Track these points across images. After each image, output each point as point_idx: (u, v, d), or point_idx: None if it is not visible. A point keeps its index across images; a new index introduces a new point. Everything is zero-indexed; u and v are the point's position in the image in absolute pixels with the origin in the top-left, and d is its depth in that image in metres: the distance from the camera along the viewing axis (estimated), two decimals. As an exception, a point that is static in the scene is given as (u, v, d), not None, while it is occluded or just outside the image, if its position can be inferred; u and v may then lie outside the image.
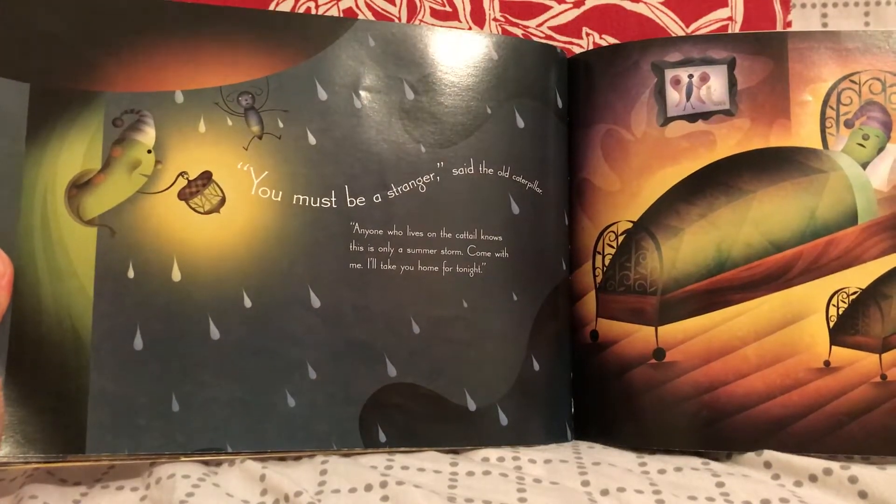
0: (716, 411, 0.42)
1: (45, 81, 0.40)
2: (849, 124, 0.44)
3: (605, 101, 0.46)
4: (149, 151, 0.41)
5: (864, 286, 0.43)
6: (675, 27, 0.58)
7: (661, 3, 0.58)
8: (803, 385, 0.42)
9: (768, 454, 0.41)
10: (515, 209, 0.45)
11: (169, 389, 0.40)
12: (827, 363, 0.42)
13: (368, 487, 0.37)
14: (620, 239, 0.45)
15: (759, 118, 0.44)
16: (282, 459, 0.41)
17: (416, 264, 0.43)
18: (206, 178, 0.41)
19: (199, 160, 0.41)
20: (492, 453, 0.42)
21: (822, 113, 0.44)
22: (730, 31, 0.57)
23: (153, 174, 0.41)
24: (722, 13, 0.58)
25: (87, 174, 0.40)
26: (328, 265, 0.42)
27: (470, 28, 0.58)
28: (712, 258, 0.44)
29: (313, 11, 0.58)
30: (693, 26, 0.58)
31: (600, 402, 0.45)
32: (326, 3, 0.58)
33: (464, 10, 0.58)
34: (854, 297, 0.43)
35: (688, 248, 0.44)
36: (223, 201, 0.41)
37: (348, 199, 0.43)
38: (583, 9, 0.58)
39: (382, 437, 0.42)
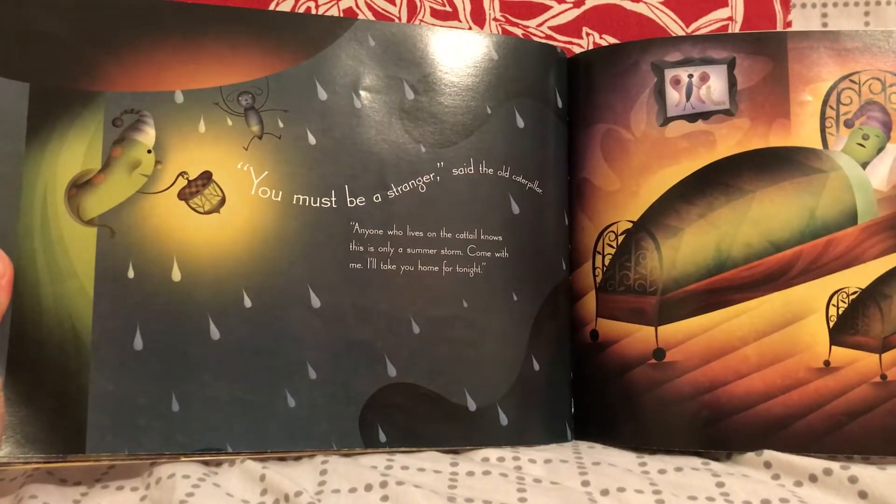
0: (716, 411, 0.42)
1: (45, 81, 0.40)
2: (849, 124, 0.44)
3: (604, 100, 0.46)
4: (149, 151, 0.41)
5: (863, 286, 0.43)
6: (675, 27, 0.58)
7: (661, 3, 0.58)
8: (803, 385, 0.42)
9: (768, 454, 0.41)
10: (515, 209, 0.45)
11: (169, 389, 0.40)
12: (827, 363, 0.42)
13: (368, 487, 0.37)
14: (620, 239, 0.45)
15: (758, 118, 0.44)
16: (282, 459, 0.41)
17: (416, 264, 0.43)
18: (206, 178, 0.41)
19: (199, 160, 0.41)
20: (492, 453, 0.42)
21: (822, 113, 0.44)
22: (730, 31, 0.57)
23: (153, 174, 0.41)
24: (722, 13, 0.58)
25: (86, 174, 0.40)
26: (328, 265, 0.42)
27: (470, 28, 0.58)
28: (712, 258, 0.44)
29: (313, 11, 0.58)
30: (693, 26, 0.58)
31: (600, 402, 0.45)
32: (326, 3, 0.58)
33: (464, 10, 0.58)
34: (854, 296, 0.43)
35: (687, 247, 0.44)
36: (223, 201, 0.41)
37: (348, 199, 0.43)
38: (583, 9, 0.58)
39: (382, 437, 0.42)
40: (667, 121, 0.45)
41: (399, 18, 0.58)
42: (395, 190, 0.43)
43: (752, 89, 0.44)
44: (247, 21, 0.43)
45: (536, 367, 0.44)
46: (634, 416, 0.44)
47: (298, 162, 0.42)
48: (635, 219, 0.45)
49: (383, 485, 0.37)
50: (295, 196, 0.42)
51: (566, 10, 0.58)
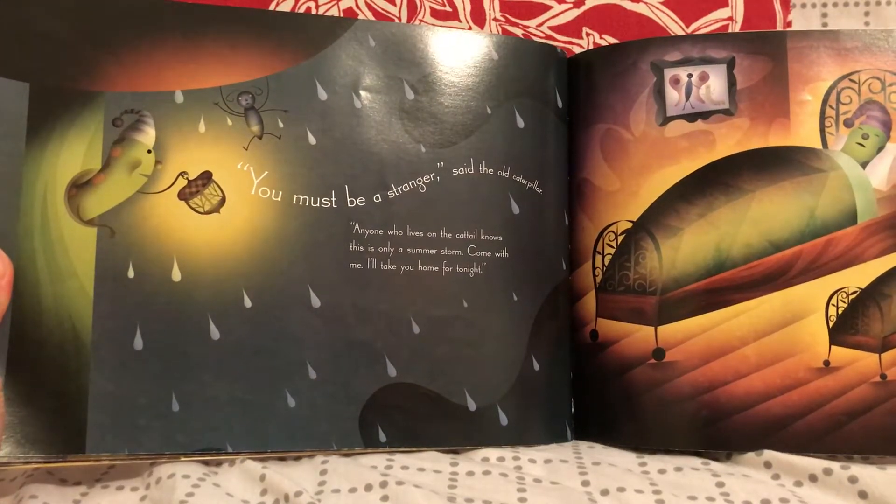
0: (715, 411, 0.42)
1: (45, 81, 0.40)
2: (848, 123, 0.44)
3: (604, 100, 0.46)
4: (149, 151, 0.41)
5: (863, 286, 0.43)
6: (675, 27, 0.58)
7: (661, 3, 0.58)
8: (803, 385, 0.42)
9: (768, 454, 0.41)
10: (515, 209, 0.45)
11: (169, 389, 0.40)
12: (826, 363, 0.42)
13: (368, 487, 0.37)
14: (620, 239, 0.45)
15: (758, 117, 0.44)
16: (282, 459, 0.41)
17: (416, 264, 0.43)
18: (206, 178, 0.41)
19: (199, 160, 0.41)
20: (492, 453, 0.42)
21: (822, 112, 0.44)
22: (729, 31, 0.57)
23: (153, 174, 0.41)
24: (722, 13, 0.58)
25: (86, 174, 0.40)
26: (328, 265, 0.42)
27: (470, 28, 0.58)
28: (712, 258, 0.44)
29: (313, 11, 0.58)
30: (693, 26, 0.58)
31: (600, 402, 0.45)
32: (326, 3, 0.58)
33: (464, 10, 0.58)
34: (854, 296, 0.43)
35: (687, 247, 0.44)
36: (223, 201, 0.41)
37: (348, 199, 0.43)
38: (583, 9, 0.58)
39: (382, 437, 0.42)
40: (666, 120, 0.45)
41: (399, 18, 0.58)
42: (395, 190, 0.43)
43: (751, 89, 0.44)
44: (247, 21, 0.43)
45: (536, 367, 0.44)
46: (634, 416, 0.44)
47: (298, 162, 0.42)
48: (635, 219, 0.45)
49: (383, 485, 0.37)
50: (295, 196, 0.42)
51: (566, 10, 0.58)
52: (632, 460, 0.42)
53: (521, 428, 0.44)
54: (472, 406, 0.43)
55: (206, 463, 0.40)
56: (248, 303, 0.41)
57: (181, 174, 0.41)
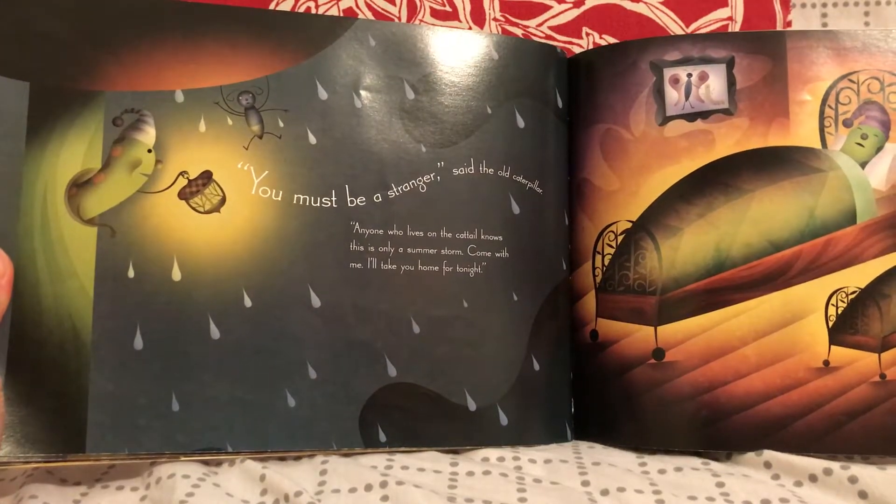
0: (715, 411, 0.42)
1: (45, 81, 0.40)
2: (847, 123, 0.44)
3: (604, 100, 0.46)
4: (149, 151, 0.41)
5: (862, 286, 0.43)
6: (675, 27, 0.58)
7: (661, 3, 0.58)
8: (803, 385, 0.42)
9: (768, 454, 0.41)
10: (516, 209, 0.45)
11: (169, 389, 0.40)
12: (826, 363, 0.42)
13: (368, 487, 0.37)
14: (620, 239, 0.45)
15: (757, 117, 0.44)
16: (282, 459, 0.41)
17: (416, 264, 0.43)
18: (207, 177, 0.41)
19: (200, 160, 0.41)
20: (492, 453, 0.42)
21: (821, 112, 0.44)
22: (729, 31, 0.57)
23: (153, 173, 0.41)
24: (722, 13, 0.58)
25: (87, 173, 0.40)
26: (328, 265, 0.42)
27: (470, 28, 0.58)
28: (711, 258, 0.44)
29: (313, 11, 0.58)
30: (693, 26, 0.58)
31: (600, 402, 0.45)
32: (326, 3, 0.58)
33: (464, 9, 0.58)
34: (853, 296, 0.43)
35: (687, 247, 0.44)
36: (223, 201, 0.41)
37: (348, 199, 0.43)
38: (583, 9, 0.58)
39: (382, 437, 0.42)
40: (666, 120, 0.45)
41: (399, 18, 0.58)
42: (395, 190, 0.43)
43: (751, 88, 0.44)
44: (247, 21, 0.43)
45: (536, 367, 0.44)
46: (634, 416, 0.44)
47: (299, 161, 0.42)
48: (634, 219, 0.45)
49: (383, 485, 0.37)
50: (295, 196, 0.42)
51: (566, 10, 0.58)
52: (632, 460, 0.42)
53: (521, 428, 0.44)
54: (472, 406, 0.43)
55: (206, 463, 0.40)
56: (248, 302, 0.41)
57: (181, 174, 0.41)
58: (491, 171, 0.45)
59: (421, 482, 0.38)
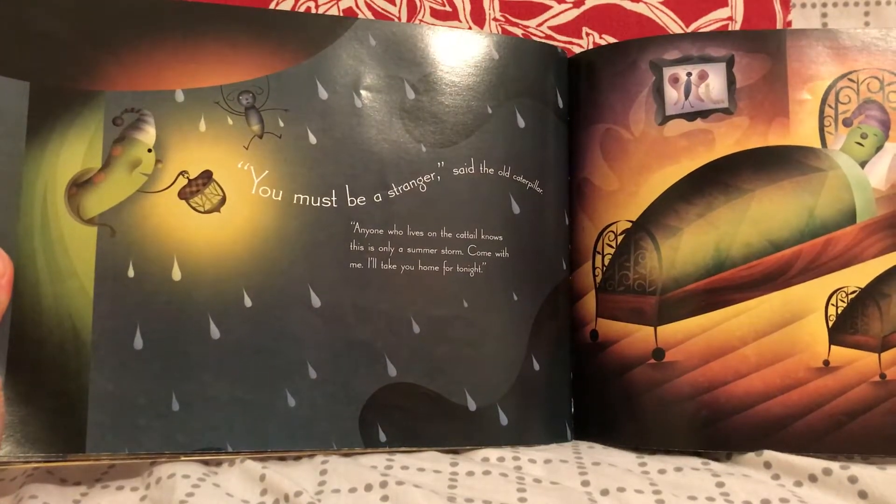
0: (715, 411, 0.42)
1: (45, 80, 0.40)
2: (847, 123, 0.44)
3: (604, 100, 0.46)
4: (149, 150, 0.41)
5: (862, 285, 0.43)
6: (675, 27, 0.58)
7: (661, 3, 0.58)
8: (803, 385, 0.42)
9: (768, 454, 0.41)
10: (516, 209, 0.45)
11: (169, 389, 0.39)
12: (826, 363, 0.42)
13: (368, 487, 0.37)
14: (619, 239, 0.45)
15: (757, 116, 0.44)
16: (282, 459, 0.41)
17: (416, 264, 0.43)
18: (207, 177, 0.41)
19: (200, 159, 0.41)
20: (492, 453, 0.42)
21: (821, 111, 0.44)
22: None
23: (153, 173, 0.41)
24: (722, 13, 0.58)
25: (87, 173, 0.40)
26: (328, 265, 0.42)
27: (470, 28, 0.58)
28: (711, 258, 0.44)
29: (313, 11, 0.58)
30: (693, 26, 0.58)
31: (600, 402, 0.45)
32: (326, 3, 0.58)
33: (464, 9, 0.58)
34: (853, 296, 0.43)
35: (687, 247, 0.44)
36: (223, 200, 0.41)
37: (349, 199, 0.43)
38: (583, 9, 0.58)
39: (382, 437, 0.42)
40: (665, 119, 0.45)
41: (399, 18, 0.58)
42: (395, 189, 0.43)
43: (750, 87, 0.44)
44: (247, 20, 0.43)
45: (536, 367, 0.44)
46: (634, 416, 0.44)
47: (299, 161, 0.42)
48: (634, 218, 0.45)
49: (383, 485, 0.37)
50: (295, 195, 0.42)
51: (566, 10, 0.58)
52: (632, 460, 0.42)
53: (521, 428, 0.44)
54: (472, 406, 0.43)
55: (206, 463, 0.40)
56: (248, 302, 0.41)
57: (181, 173, 0.41)
58: (491, 170, 0.45)
59: (421, 482, 0.38)
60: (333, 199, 0.43)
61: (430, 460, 0.41)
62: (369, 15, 0.58)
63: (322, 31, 0.43)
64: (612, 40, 0.57)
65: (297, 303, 0.41)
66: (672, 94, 0.45)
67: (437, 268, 0.43)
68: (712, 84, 0.45)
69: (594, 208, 0.46)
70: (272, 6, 0.58)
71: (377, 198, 0.43)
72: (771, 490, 0.38)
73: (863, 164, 0.43)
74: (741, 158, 0.44)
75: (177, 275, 0.40)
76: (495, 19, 0.58)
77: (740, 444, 0.42)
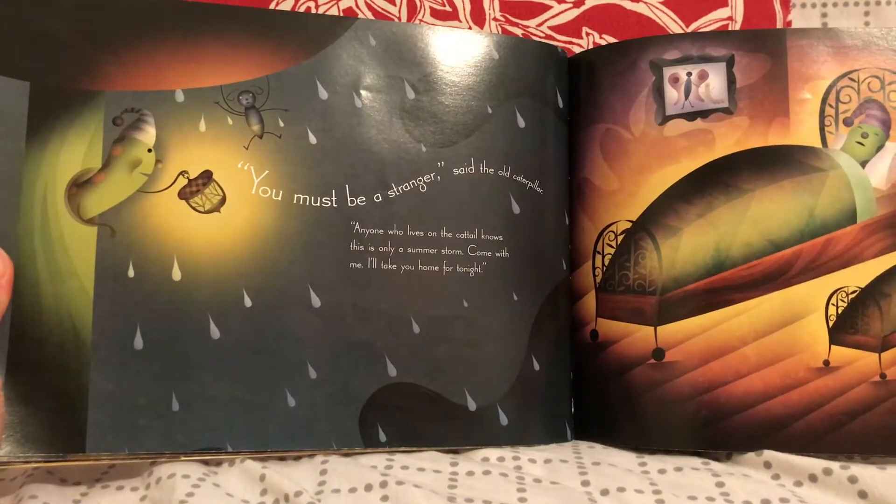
0: (715, 411, 0.42)
1: (45, 80, 0.40)
2: (848, 122, 0.44)
3: (604, 100, 0.46)
4: (149, 150, 0.41)
5: (863, 285, 0.43)
6: (675, 27, 0.58)
7: (661, 3, 0.58)
8: (803, 385, 0.42)
9: (768, 454, 0.41)
10: (516, 209, 0.45)
11: (169, 389, 0.40)
12: (826, 362, 0.42)
13: (368, 487, 0.37)
14: (620, 239, 0.45)
15: (757, 116, 0.44)
16: (282, 459, 0.41)
17: (416, 264, 0.43)
18: (207, 177, 0.41)
19: (200, 159, 0.41)
20: (492, 453, 0.42)
21: (822, 111, 0.44)
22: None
23: (153, 173, 0.41)
24: (722, 13, 0.58)
25: (87, 173, 0.40)
26: (328, 265, 0.42)
27: (470, 28, 0.58)
28: (711, 258, 0.44)
29: (313, 11, 0.58)
30: (693, 26, 0.58)
31: (600, 402, 0.45)
32: (326, 3, 0.58)
33: (464, 9, 0.58)
34: (853, 296, 0.43)
35: (687, 247, 0.44)
36: (223, 200, 0.41)
37: (349, 199, 0.43)
38: (583, 8, 0.58)
39: (382, 437, 0.42)
40: (665, 119, 0.45)
41: (399, 18, 0.58)
42: (395, 189, 0.43)
43: (751, 87, 0.44)
44: (247, 20, 0.43)
45: (536, 366, 0.44)
46: (634, 416, 0.44)
47: (299, 161, 0.42)
48: (634, 218, 0.45)
49: (383, 485, 0.37)
50: (295, 195, 0.42)
51: (566, 10, 0.58)
52: (632, 460, 0.42)
53: (521, 428, 0.44)
54: (472, 406, 0.43)
55: (206, 463, 0.40)
56: (248, 302, 0.41)
57: (181, 173, 0.41)
58: (491, 170, 0.45)
59: (421, 482, 0.38)
60: (333, 199, 0.43)
61: (430, 460, 0.41)
62: (369, 15, 0.58)
63: (322, 31, 0.43)
64: (612, 40, 0.57)
65: (297, 303, 0.41)
66: (672, 94, 0.45)
67: (437, 268, 0.43)
68: (712, 84, 0.45)
69: (594, 208, 0.46)
70: (272, 6, 0.58)
71: (377, 198, 0.43)
72: (771, 490, 0.38)
73: (863, 164, 0.43)
74: (741, 158, 0.44)
75: (177, 275, 0.40)
76: (495, 19, 0.58)
77: (740, 444, 0.42)
